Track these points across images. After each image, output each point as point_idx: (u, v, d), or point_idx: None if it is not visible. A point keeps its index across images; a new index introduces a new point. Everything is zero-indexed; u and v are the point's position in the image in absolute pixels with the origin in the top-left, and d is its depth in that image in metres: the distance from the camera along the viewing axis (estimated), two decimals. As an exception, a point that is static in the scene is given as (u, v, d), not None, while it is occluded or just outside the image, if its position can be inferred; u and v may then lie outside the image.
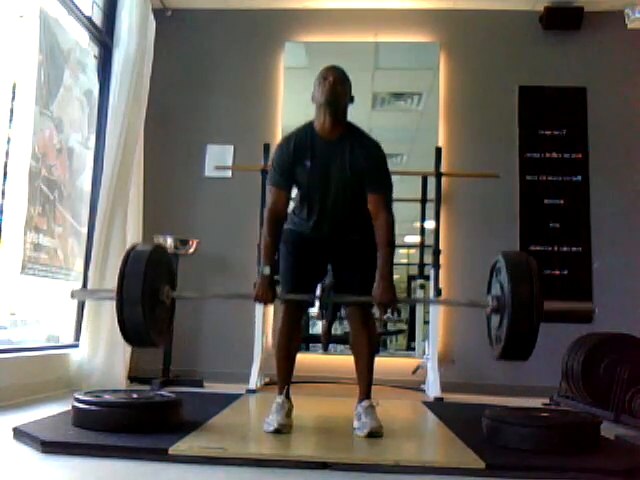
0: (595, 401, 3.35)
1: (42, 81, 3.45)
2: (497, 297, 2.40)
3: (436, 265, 4.26)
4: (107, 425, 2.30)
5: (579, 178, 4.74)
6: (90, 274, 3.89)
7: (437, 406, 3.60)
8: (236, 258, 4.60)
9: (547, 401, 3.90)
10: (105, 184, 3.97)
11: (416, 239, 4.74)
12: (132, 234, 4.18)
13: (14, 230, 3.25)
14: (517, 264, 2.36)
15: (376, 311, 2.67)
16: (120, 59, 4.15)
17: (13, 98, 3.31)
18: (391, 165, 2.70)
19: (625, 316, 4.31)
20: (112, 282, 3.82)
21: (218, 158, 4.81)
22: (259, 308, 4.16)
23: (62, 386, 3.60)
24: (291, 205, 2.78)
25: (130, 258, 2.42)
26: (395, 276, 4.64)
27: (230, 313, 4.59)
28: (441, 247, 4.37)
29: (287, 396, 2.61)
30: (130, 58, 4.14)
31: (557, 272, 4.62)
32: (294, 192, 2.75)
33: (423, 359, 4.34)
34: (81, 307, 3.97)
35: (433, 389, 4.01)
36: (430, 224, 4.52)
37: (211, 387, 4.14)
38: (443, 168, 4.46)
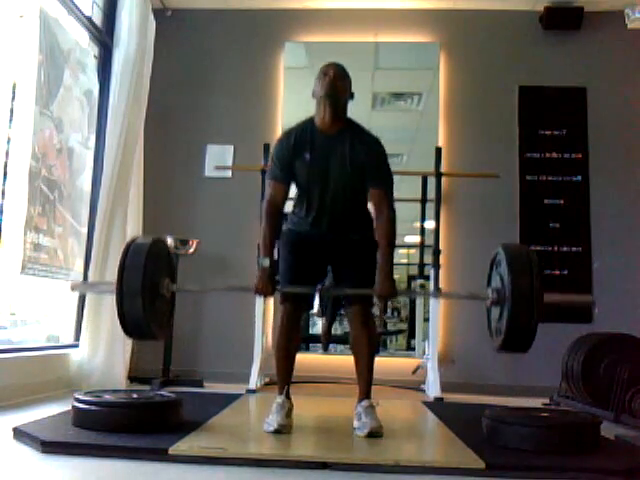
0: (595, 401, 3.35)
1: (42, 81, 3.44)
2: (497, 289, 2.39)
3: (436, 265, 4.26)
4: (107, 425, 2.30)
5: (579, 178, 4.74)
6: (90, 274, 3.89)
7: (437, 406, 3.60)
8: (236, 258, 4.59)
9: (547, 401, 3.90)
10: (105, 184, 3.97)
11: (416, 239, 4.74)
12: (132, 234, 4.18)
13: (14, 230, 3.25)
14: (517, 256, 2.36)
15: (376, 310, 2.67)
16: (120, 59, 4.15)
17: (13, 98, 3.31)
18: (391, 165, 2.70)
19: (625, 316, 4.31)
20: (112, 282, 3.84)
21: (218, 158, 4.81)
22: (259, 308, 4.16)
23: (62, 386, 3.60)
24: (290, 206, 2.79)
25: (130, 251, 2.42)
26: (395, 276, 4.62)
27: (230, 313, 4.60)
28: (441, 247, 4.37)
29: (287, 396, 2.61)
30: (130, 58, 4.14)
31: (557, 272, 4.62)
32: (293, 192, 2.76)
33: (423, 359, 4.34)
34: (81, 307, 3.97)
35: (433, 389, 4.02)
36: (430, 224, 4.52)
37: (211, 387, 4.14)
38: (443, 168, 4.46)
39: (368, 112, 5.00)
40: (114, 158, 4.00)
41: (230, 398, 3.48)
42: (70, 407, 2.46)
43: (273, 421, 2.49)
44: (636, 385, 3.07)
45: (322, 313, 3.35)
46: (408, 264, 5.14)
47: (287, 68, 4.97)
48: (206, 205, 4.80)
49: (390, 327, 5.23)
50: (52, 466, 1.97)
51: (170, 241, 4.14)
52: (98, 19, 4.32)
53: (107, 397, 2.47)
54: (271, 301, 4.33)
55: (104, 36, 4.33)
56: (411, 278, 5.03)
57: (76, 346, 3.88)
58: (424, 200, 4.64)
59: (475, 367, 4.54)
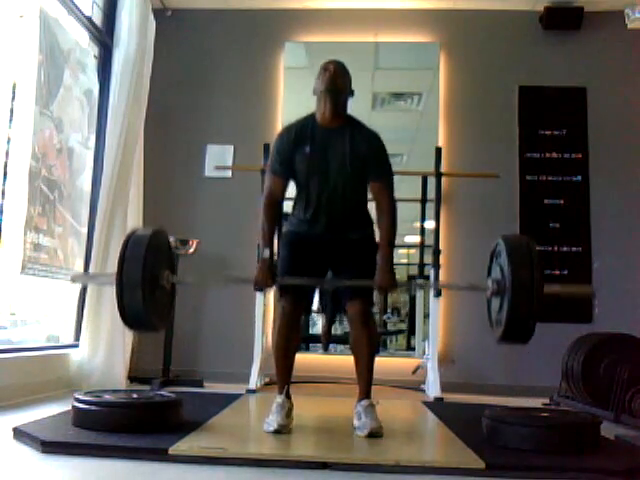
0: (595, 401, 3.35)
1: (42, 81, 3.44)
2: (497, 280, 2.39)
3: (436, 265, 4.26)
4: (107, 425, 2.30)
5: (579, 178, 4.74)
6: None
7: (437, 406, 3.60)
8: (236, 258, 4.59)
9: (547, 401, 3.90)
10: (105, 184, 3.97)
11: (416, 239, 4.74)
12: (132, 234, 4.19)
13: (14, 230, 3.25)
14: (517, 247, 2.36)
15: (376, 310, 2.67)
16: (120, 59, 4.15)
17: (13, 98, 3.30)
18: (391, 165, 2.70)
19: (625, 316, 4.31)
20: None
21: (218, 158, 4.81)
22: (259, 308, 4.17)
23: (62, 386, 3.60)
24: (290, 207, 2.79)
25: (130, 242, 2.41)
26: (395, 276, 4.56)
27: (230, 313, 4.60)
28: (441, 247, 4.37)
29: (287, 396, 2.60)
30: (130, 58, 4.14)
31: (557, 272, 4.62)
32: (293, 193, 2.76)
33: (423, 359, 4.34)
34: (81, 307, 3.97)
35: (433, 389, 4.01)
36: (430, 224, 4.52)
37: (211, 387, 4.14)
38: (443, 168, 4.46)
39: (368, 112, 5.00)
40: (114, 158, 4.00)
41: (230, 398, 3.48)
42: (70, 407, 2.46)
43: (273, 421, 2.49)
44: (636, 385, 3.07)
45: (322, 309, 3.35)
46: (408, 264, 5.14)
47: (287, 68, 4.97)
48: (206, 205, 4.80)
49: (390, 327, 5.23)
50: (52, 466, 1.97)
51: (170, 241, 4.14)
52: (98, 19, 4.32)
53: (107, 397, 2.47)
54: (271, 301, 4.34)
55: (104, 36, 4.33)
56: (411, 278, 5.02)
57: (76, 346, 3.88)
58: (424, 200, 4.64)
59: (475, 367, 4.54)
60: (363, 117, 2.75)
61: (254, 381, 3.97)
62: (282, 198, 2.71)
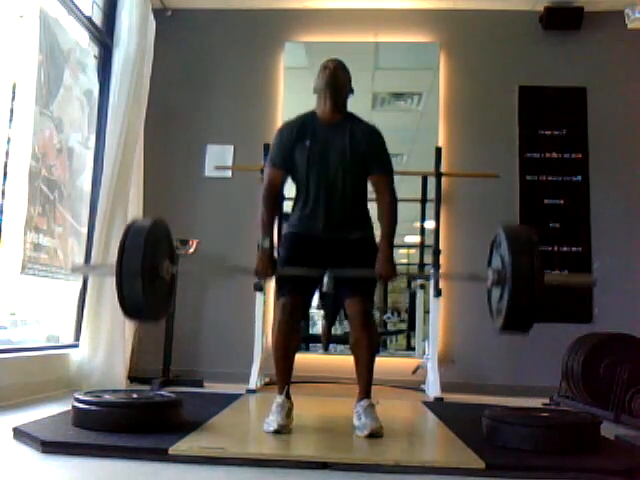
0: (595, 401, 3.36)
1: (42, 81, 3.44)
2: (497, 270, 2.38)
3: (436, 265, 4.26)
4: (107, 425, 2.30)
5: (579, 178, 4.74)
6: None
7: (437, 406, 3.60)
8: (236, 258, 4.56)
9: (547, 401, 3.90)
10: (105, 184, 3.97)
11: (416, 239, 4.74)
12: (132, 234, 4.18)
13: (14, 230, 3.25)
14: (517, 237, 2.35)
15: (376, 311, 2.67)
16: (120, 59, 4.15)
17: (13, 98, 3.30)
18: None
19: (625, 316, 4.31)
20: (112, 282, 3.84)
21: (218, 158, 4.81)
22: (259, 308, 4.16)
23: (62, 386, 3.60)
24: (290, 208, 2.79)
25: (130, 232, 2.41)
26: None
27: (230, 313, 4.60)
28: (441, 247, 4.37)
29: (287, 396, 2.60)
30: (130, 58, 4.14)
31: (557, 272, 4.61)
32: (293, 193, 2.76)
33: (423, 359, 4.34)
34: (81, 307, 3.97)
35: (433, 389, 4.01)
36: (430, 224, 4.52)
37: (211, 387, 4.15)
38: (443, 168, 4.46)
39: (368, 112, 4.99)
40: (114, 158, 4.00)
41: (230, 398, 3.48)
42: (70, 407, 2.46)
43: (273, 421, 2.49)
44: (636, 385, 3.07)
45: (322, 305, 3.32)
46: (408, 264, 5.14)
47: (287, 68, 4.97)
48: (206, 205, 4.80)
49: (390, 327, 5.23)
50: (52, 466, 1.97)
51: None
52: (98, 19, 4.32)
53: (107, 397, 2.47)
54: (271, 301, 4.33)
55: (104, 36, 4.33)
56: (411, 278, 5.02)
57: (76, 346, 3.88)
58: (424, 200, 4.64)
59: (475, 367, 4.54)
60: (363, 117, 2.76)
61: (254, 381, 3.97)
62: (281, 190, 2.74)
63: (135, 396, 2.56)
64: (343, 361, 3.88)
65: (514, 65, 4.88)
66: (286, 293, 2.63)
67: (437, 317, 4.27)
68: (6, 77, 3.28)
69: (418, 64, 5.22)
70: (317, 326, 4.97)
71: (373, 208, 2.73)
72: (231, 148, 4.86)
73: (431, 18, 4.96)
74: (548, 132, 4.81)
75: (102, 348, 3.84)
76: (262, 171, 4.15)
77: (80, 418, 2.37)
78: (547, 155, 4.79)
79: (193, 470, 1.98)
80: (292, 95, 4.88)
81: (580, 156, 4.77)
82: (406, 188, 4.56)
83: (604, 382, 3.27)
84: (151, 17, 4.45)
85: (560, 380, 3.78)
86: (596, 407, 3.29)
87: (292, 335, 2.63)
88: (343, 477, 1.97)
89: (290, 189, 2.84)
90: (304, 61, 5.10)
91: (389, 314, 5.16)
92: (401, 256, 5.17)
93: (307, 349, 4.86)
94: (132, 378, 4.14)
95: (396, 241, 2.68)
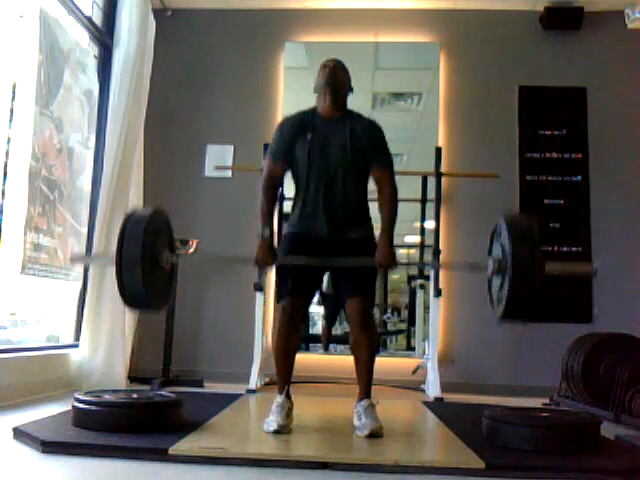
0: (595, 401, 3.36)
1: (42, 81, 3.44)
2: (498, 259, 2.38)
3: (436, 265, 4.26)
4: (107, 425, 2.30)
5: (579, 178, 4.74)
6: (90, 274, 3.89)
7: (437, 406, 3.60)
8: (236, 258, 4.59)
9: (547, 401, 3.90)
10: (105, 184, 3.97)
11: (416, 239, 4.74)
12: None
13: (14, 230, 3.25)
14: (518, 225, 2.35)
15: (376, 310, 2.67)
16: (120, 59, 4.15)
17: (13, 98, 3.30)
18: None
19: (625, 316, 4.32)
20: (112, 282, 3.83)
21: (218, 158, 4.81)
22: (259, 308, 4.16)
23: (62, 386, 3.60)
24: (289, 208, 2.79)
25: (130, 221, 2.41)
26: (395, 276, 4.64)
27: (230, 313, 4.60)
28: (441, 247, 4.37)
29: (287, 395, 2.60)
30: (130, 58, 4.14)
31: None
32: (292, 192, 2.76)
33: (423, 359, 4.34)
34: (81, 307, 3.97)
35: (433, 389, 4.01)
36: (430, 224, 4.52)
37: (211, 387, 4.14)
38: (443, 168, 4.46)
39: (368, 112, 4.89)
40: (114, 158, 4.00)
41: (230, 398, 3.48)
42: (70, 407, 2.46)
43: (273, 421, 2.49)
44: (636, 385, 3.07)
45: (322, 301, 3.33)
46: (408, 264, 5.14)
47: (287, 68, 4.97)
48: (206, 205, 4.80)
49: (390, 327, 5.23)
50: (52, 466, 1.97)
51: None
52: (98, 19, 4.32)
53: (107, 397, 2.47)
54: (271, 301, 4.33)
55: (104, 36, 4.33)
56: (411, 278, 5.03)
57: (76, 346, 3.88)
58: (424, 200, 4.64)
59: (475, 367, 4.54)
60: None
61: (254, 381, 3.97)
62: (281, 181, 2.75)
63: (135, 396, 2.56)
64: (343, 361, 3.88)
65: (514, 65, 4.88)
66: (286, 295, 2.62)
67: (437, 317, 4.27)
68: (6, 77, 3.28)
69: (418, 64, 5.22)
70: (317, 326, 4.97)
71: (373, 208, 2.73)
72: (231, 148, 4.86)
73: (431, 18, 4.96)
74: (548, 132, 4.81)
75: (102, 348, 3.84)
76: (262, 171, 4.20)
77: (80, 418, 2.37)
78: (547, 155, 4.79)
79: (193, 470, 1.98)
80: (292, 95, 4.88)
81: (580, 156, 4.77)
82: (406, 188, 4.55)
83: (604, 382, 3.27)
84: (151, 17, 4.45)
85: (560, 380, 3.78)
86: (596, 407, 3.29)
87: (292, 335, 2.63)
88: (343, 477, 1.97)
89: (290, 188, 2.84)
90: (304, 61, 5.10)
91: (389, 314, 5.16)
92: (401, 256, 5.17)
93: (307, 349, 4.86)
94: (132, 378, 4.14)
95: (396, 241, 2.68)
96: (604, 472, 2.05)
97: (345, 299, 2.63)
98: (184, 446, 2.14)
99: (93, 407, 2.37)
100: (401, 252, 5.18)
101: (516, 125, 4.82)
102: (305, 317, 2.85)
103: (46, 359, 3.58)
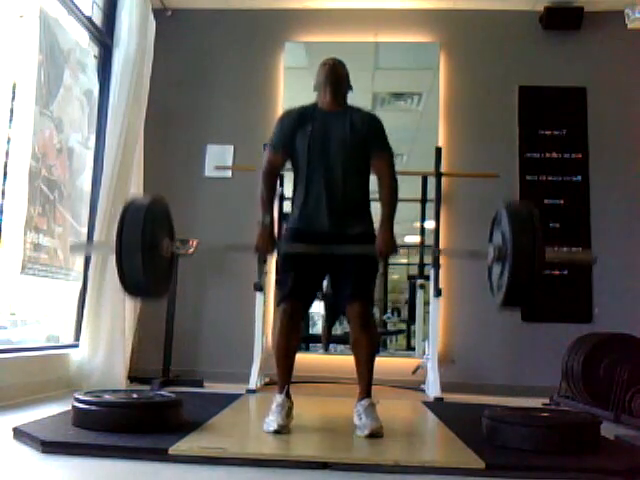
0: (595, 401, 3.36)
1: (42, 81, 3.44)
2: (498, 246, 2.37)
3: (436, 265, 4.25)
4: (107, 425, 2.30)
5: (579, 178, 4.74)
6: (90, 274, 3.89)
7: (437, 406, 3.60)
8: (236, 258, 4.59)
9: (547, 401, 3.90)
10: (105, 184, 3.97)
11: (416, 239, 4.74)
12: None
13: (14, 230, 3.25)
14: (518, 212, 2.35)
15: (376, 311, 2.67)
16: (120, 59, 4.15)
17: (13, 98, 3.30)
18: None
19: (625, 316, 4.31)
20: (112, 282, 3.85)
21: (218, 158, 4.81)
22: (259, 308, 4.16)
23: (62, 386, 3.60)
24: (289, 208, 2.79)
25: (129, 209, 2.41)
26: (395, 276, 4.64)
27: (230, 313, 4.60)
28: (441, 247, 4.37)
29: (287, 395, 2.60)
30: (130, 58, 4.15)
31: (557, 272, 4.62)
32: (291, 190, 2.76)
33: (423, 359, 4.34)
34: (81, 307, 3.97)
35: (433, 389, 4.01)
36: (430, 224, 4.52)
37: (211, 387, 4.15)
38: (443, 168, 4.46)
39: (368, 112, 4.99)
40: (114, 158, 4.00)
41: (230, 398, 3.48)
42: (70, 407, 2.46)
43: (273, 421, 2.49)
44: (636, 385, 3.07)
45: (323, 299, 3.33)
46: (408, 264, 5.14)
47: (287, 68, 4.97)
48: (206, 205, 4.80)
49: (390, 327, 5.23)
50: (52, 466, 1.97)
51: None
52: (98, 19, 4.32)
53: (107, 397, 2.47)
54: (271, 301, 4.34)
55: (104, 36, 4.33)
56: (411, 278, 5.02)
57: (76, 346, 3.88)
58: (424, 200, 4.64)
59: (475, 367, 4.54)
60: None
61: (254, 381, 3.97)
62: (280, 170, 2.77)
63: (135, 396, 2.56)
64: (343, 361, 3.89)
65: (514, 65, 4.88)
66: (286, 297, 2.63)
67: (437, 317, 4.27)
68: (6, 77, 3.28)
69: (418, 64, 5.22)
70: (317, 326, 4.97)
71: (374, 207, 2.73)
72: (231, 148, 4.86)
73: (431, 18, 4.96)
74: (548, 132, 4.81)
75: (102, 348, 3.84)
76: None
77: (80, 418, 2.37)
78: (547, 155, 4.79)
79: (193, 470, 1.98)
80: (292, 95, 4.87)
81: (580, 156, 4.77)
82: (406, 188, 4.53)
83: (604, 382, 3.27)
84: (151, 17, 4.45)
85: (560, 380, 3.78)
86: (596, 407, 3.29)
87: (293, 335, 2.64)
88: (343, 477, 1.97)
89: (290, 189, 2.84)
90: (304, 61, 5.10)
91: (389, 314, 5.16)
92: (401, 256, 5.17)
93: (307, 349, 4.86)
94: (132, 378, 4.14)
95: (396, 241, 2.67)
96: (604, 472, 2.05)
97: (345, 304, 2.64)
98: (184, 446, 2.14)
99: (93, 407, 2.37)
100: (401, 252, 5.18)
101: (516, 125, 4.82)
102: (306, 316, 2.84)
103: (46, 359, 3.58)
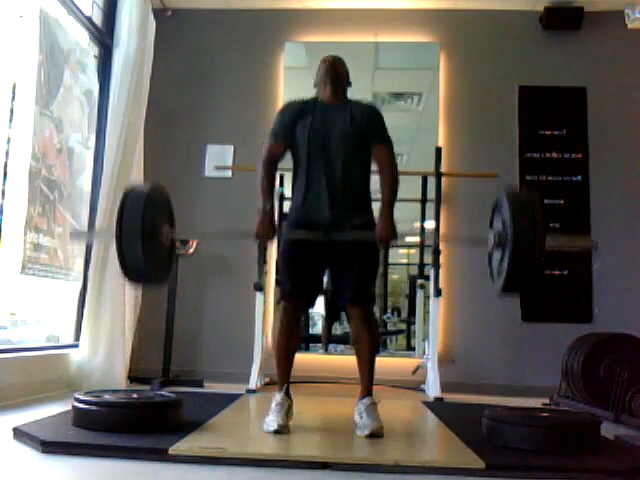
0: (595, 401, 3.36)
1: (42, 81, 3.44)
2: (499, 232, 2.37)
3: (436, 265, 4.25)
4: (107, 425, 2.30)
5: (579, 178, 4.74)
6: (90, 274, 3.89)
7: (437, 406, 3.60)
8: (236, 258, 4.59)
9: (547, 401, 3.90)
10: (105, 184, 3.97)
11: (416, 239, 4.73)
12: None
13: (14, 230, 3.25)
14: (518, 198, 2.35)
15: (377, 311, 2.67)
16: (120, 59, 4.15)
17: (13, 98, 3.30)
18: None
19: (625, 316, 4.31)
20: (112, 282, 3.85)
21: (218, 158, 4.81)
22: (259, 308, 4.16)
23: (62, 386, 3.60)
24: (288, 207, 2.79)
25: (129, 196, 2.42)
26: (395, 276, 4.64)
27: (230, 313, 4.60)
28: (441, 247, 4.37)
29: (287, 393, 2.61)
30: (130, 58, 4.14)
31: (557, 272, 4.62)
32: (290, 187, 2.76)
33: (423, 359, 4.34)
34: (81, 307, 3.97)
35: (433, 389, 4.01)
36: (430, 224, 4.52)
37: (211, 387, 4.15)
38: (443, 168, 4.46)
39: (368, 112, 4.99)
40: (114, 158, 4.00)
41: (230, 398, 3.48)
42: (70, 407, 2.46)
43: (273, 421, 2.49)
44: (636, 385, 3.07)
45: (323, 293, 3.32)
46: (408, 264, 5.14)
47: (287, 68, 4.97)
48: (206, 205, 4.80)
49: (390, 327, 5.23)
50: (52, 466, 1.97)
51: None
52: (98, 19, 4.32)
53: (107, 397, 2.47)
54: (271, 301, 4.34)
55: (104, 36, 4.33)
56: (411, 278, 5.02)
57: (76, 346, 3.88)
58: (424, 200, 4.64)
59: (475, 367, 4.54)
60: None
61: (254, 381, 3.97)
62: (279, 160, 2.76)
63: (135, 396, 2.56)
64: (343, 361, 3.89)
65: (514, 65, 4.88)
66: (286, 295, 2.63)
67: (437, 317, 4.27)
68: (6, 77, 3.28)
69: (418, 64, 5.22)
70: (317, 326, 4.97)
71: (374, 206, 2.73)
72: (231, 148, 4.86)
73: (431, 18, 4.96)
74: (548, 132, 4.80)
75: (102, 348, 3.84)
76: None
77: (80, 418, 2.37)
78: (547, 155, 4.79)
79: (193, 470, 1.98)
80: (292, 95, 4.77)
81: (580, 156, 4.77)
82: (406, 188, 4.52)
83: (604, 382, 3.27)
84: (151, 17, 4.45)
85: (560, 380, 3.78)
86: (596, 407, 3.29)
87: (293, 335, 2.65)
88: (343, 477, 1.97)
89: (290, 189, 2.84)
90: (304, 61, 5.10)
91: (389, 314, 5.16)
92: (401, 256, 5.17)
93: (307, 349, 4.86)
94: (132, 378, 4.14)
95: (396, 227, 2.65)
96: (604, 472, 2.05)
97: (346, 304, 2.64)
98: (184, 446, 2.14)
99: (93, 407, 2.37)
100: (401, 252, 5.18)
101: (516, 125, 4.82)
102: (306, 316, 2.85)
103: (46, 359, 3.58)
